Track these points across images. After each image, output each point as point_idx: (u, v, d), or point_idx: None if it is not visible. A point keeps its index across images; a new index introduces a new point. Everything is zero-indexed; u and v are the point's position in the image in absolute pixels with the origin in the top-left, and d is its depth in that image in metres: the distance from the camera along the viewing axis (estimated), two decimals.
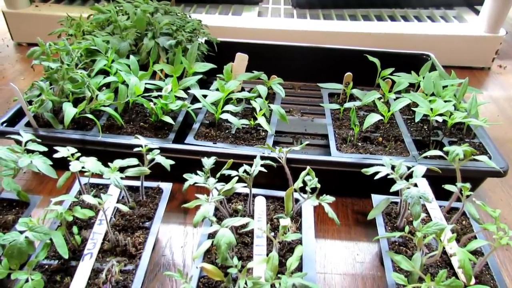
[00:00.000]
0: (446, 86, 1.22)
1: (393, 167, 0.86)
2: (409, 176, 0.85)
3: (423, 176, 0.85)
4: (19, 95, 1.07)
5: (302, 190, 0.86)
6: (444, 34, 1.86)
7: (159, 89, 1.22)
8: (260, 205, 0.92)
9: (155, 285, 0.92)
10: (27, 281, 0.68)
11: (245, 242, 0.86)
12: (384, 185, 0.95)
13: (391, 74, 1.32)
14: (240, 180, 0.86)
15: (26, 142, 0.90)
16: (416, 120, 1.12)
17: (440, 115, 1.09)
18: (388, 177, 0.84)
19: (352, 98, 1.32)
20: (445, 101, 1.12)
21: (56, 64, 1.11)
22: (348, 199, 1.17)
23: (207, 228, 0.86)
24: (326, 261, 1.00)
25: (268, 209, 0.94)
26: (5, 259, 0.69)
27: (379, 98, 1.18)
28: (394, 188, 0.80)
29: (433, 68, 1.42)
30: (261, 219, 0.89)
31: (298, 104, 1.58)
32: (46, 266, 0.79)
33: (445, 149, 0.87)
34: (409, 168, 0.87)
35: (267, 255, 0.77)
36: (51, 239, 0.74)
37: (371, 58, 1.32)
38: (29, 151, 0.89)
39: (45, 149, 0.91)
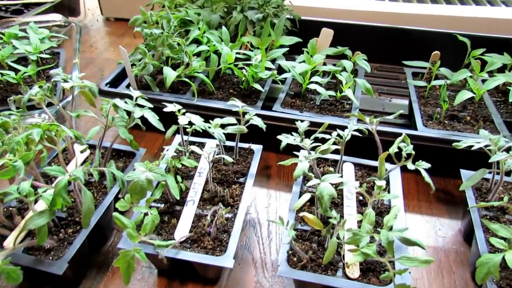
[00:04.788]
0: None
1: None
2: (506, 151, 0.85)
3: None
4: (125, 58, 1.17)
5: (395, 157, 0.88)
6: None
7: (246, 59, 1.28)
8: (348, 170, 0.96)
9: (243, 239, 0.99)
10: (146, 214, 0.76)
11: (335, 202, 0.89)
12: (470, 163, 0.95)
13: (481, 55, 1.28)
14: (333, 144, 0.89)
15: (136, 97, 0.99)
16: (510, 100, 1.09)
17: None
18: (487, 148, 0.83)
19: (437, 78, 1.31)
20: None
21: (159, 30, 1.20)
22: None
23: (298, 187, 0.92)
24: (407, 232, 1.01)
25: (356, 175, 0.97)
26: (128, 195, 0.77)
27: (470, 77, 1.16)
28: (493, 159, 0.80)
29: None
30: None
31: (375, 84, 1.58)
32: (155, 208, 0.88)
33: None
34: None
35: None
36: (165, 181, 0.82)
37: (461, 38, 1.30)
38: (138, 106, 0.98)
39: (152, 106, 1.00)
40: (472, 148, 0.84)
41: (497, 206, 0.81)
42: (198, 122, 0.90)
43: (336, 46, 1.35)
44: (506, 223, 0.85)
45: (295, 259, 0.77)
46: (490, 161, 0.81)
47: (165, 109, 0.92)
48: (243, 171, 0.98)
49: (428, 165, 0.81)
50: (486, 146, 0.86)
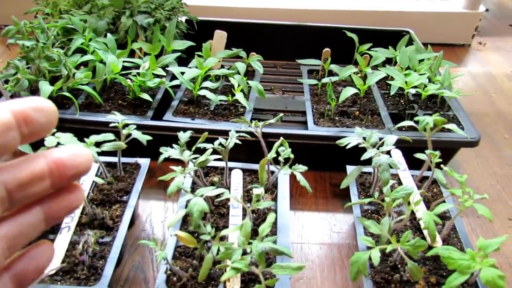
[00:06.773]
0: (422, 60, 1.24)
1: (365, 138, 0.88)
2: (381, 146, 0.87)
3: (398, 148, 0.87)
4: None
5: (277, 161, 0.87)
6: (424, 11, 1.88)
7: (138, 67, 1.22)
8: (236, 178, 0.94)
9: (135, 258, 0.94)
10: None
11: (221, 213, 0.87)
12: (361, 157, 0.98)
13: (368, 49, 1.33)
14: (216, 153, 0.87)
15: None
16: (392, 93, 1.14)
17: (415, 87, 1.11)
18: (359, 146, 0.85)
19: (331, 74, 1.33)
20: (420, 74, 1.14)
21: (31, 42, 1.10)
22: (326, 173, 1.19)
23: (182, 198, 0.88)
24: (304, 232, 1.02)
25: (245, 181, 0.95)
26: None
27: (356, 73, 1.20)
28: (364, 156, 0.82)
29: (411, 43, 1.43)
30: (237, 191, 0.90)
31: (280, 82, 1.58)
32: None
33: (415, 119, 0.89)
34: (381, 139, 0.89)
35: None
36: None
37: (349, 34, 1.33)
38: None
39: None
40: (347, 147, 0.86)
41: (376, 200, 0.83)
42: (68, 141, 0.84)
43: (239, 46, 1.32)
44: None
45: (175, 279, 0.74)
46: (362, 158, 0.83)
47: None
48: (128, 189, 0.93)
49: (304, 168, 0.82)
50: (361, 142, 0.88)
